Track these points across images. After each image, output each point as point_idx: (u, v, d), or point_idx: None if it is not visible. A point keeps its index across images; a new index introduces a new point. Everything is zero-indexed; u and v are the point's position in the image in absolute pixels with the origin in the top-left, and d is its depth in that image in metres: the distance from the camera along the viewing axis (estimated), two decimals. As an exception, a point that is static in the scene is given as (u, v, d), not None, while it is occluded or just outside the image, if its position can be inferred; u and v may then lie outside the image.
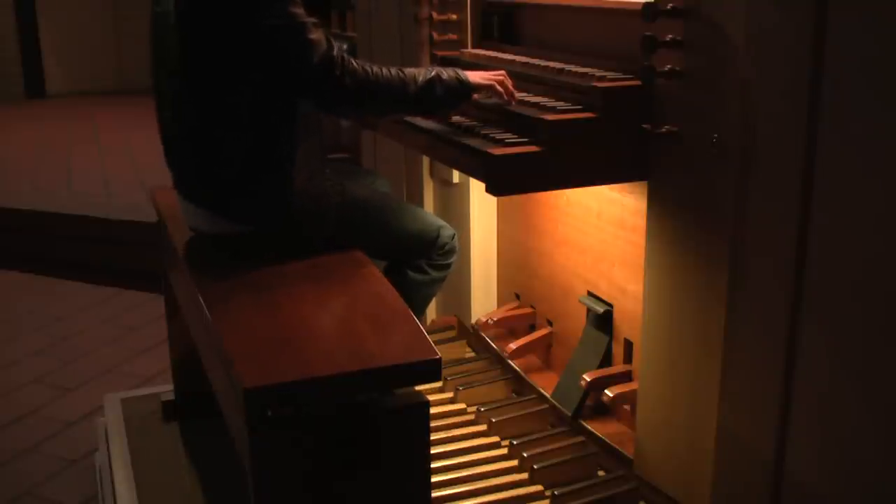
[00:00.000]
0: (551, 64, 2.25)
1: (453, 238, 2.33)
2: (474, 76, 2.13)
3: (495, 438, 2.44)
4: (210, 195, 2.08)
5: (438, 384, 2.65)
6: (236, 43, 1.92)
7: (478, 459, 2.34)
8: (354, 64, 1.95)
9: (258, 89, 1.96)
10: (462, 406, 2.61)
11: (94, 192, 5.84)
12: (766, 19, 1.64)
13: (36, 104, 9.73)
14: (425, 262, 2.28)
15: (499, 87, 2.12)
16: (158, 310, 3.36)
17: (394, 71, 2.01)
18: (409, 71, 2.04)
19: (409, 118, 2.38)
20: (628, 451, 2.22)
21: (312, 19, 1.93)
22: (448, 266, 2.33)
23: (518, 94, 2.17)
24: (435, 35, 2.77)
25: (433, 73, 2.06)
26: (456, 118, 2.26)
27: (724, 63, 1.73)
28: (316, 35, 1.91)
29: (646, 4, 1.84)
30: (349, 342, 1.68)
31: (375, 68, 1.98)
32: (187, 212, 2.17)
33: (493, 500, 2.17)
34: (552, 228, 2.68)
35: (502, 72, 2.19)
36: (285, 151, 2.02)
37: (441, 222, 2.33)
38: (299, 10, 1.91)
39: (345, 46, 1.95)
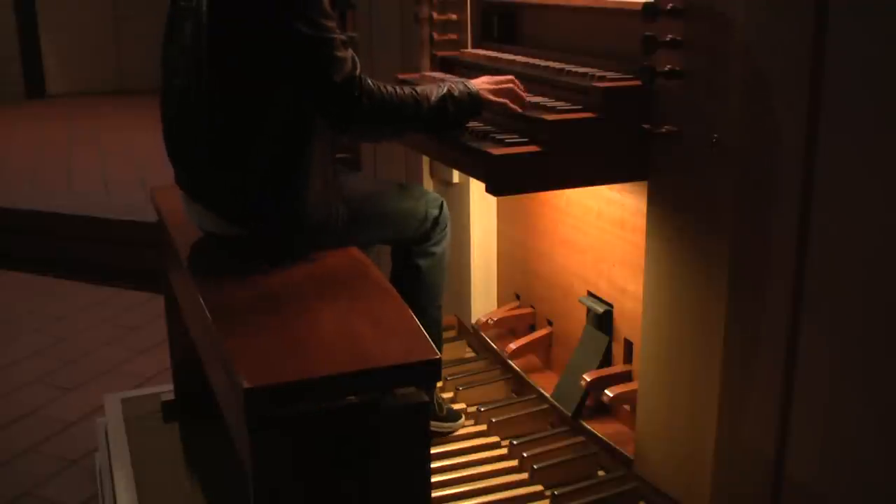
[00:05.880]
0: (551, 64, 2.25)
1: (441, 208, 2.31)
2: (485, 90, 2.04)
3: (495, 438, 2.44)
4: (223, 199, 2.04)
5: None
6: (265, 47, 1.88)
7: (478, 459, 2.34)
8: (371, 84, 1.91)
9: (286, 96, 1.93)
10: (462, 406, 2.61)
11: (94, 192, 5.83)
12: (765, 19, 1.64)
13: (36, 104, 9.71)
14: (429, 245, 2.30)
15: (512, 105, 2.04)
16: (158, 310, 3.35)
17: (407, 90, 1.96)
18: (422, 90, 1.99)
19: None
20: (628, 451, 2.22)
21: (342, 36, 1.89)
22: (445, 236, 2.34)
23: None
24: (435, 35, 2.77)
25: (445, 90, 2.00)
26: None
27: (724, 63, 1.73)
28: (342, 53, 1.87)
29: (646, 4, 1.84)
30: (349, 342, 1.68)
31: (390, 88, 1.94)
32: (191, 210, 2.15)
33: (493, 500, 2.17)
34: (552, 228, 2.68)
35: (510, 78, 2.11)
36: (306, 160, 1.99)
37: (424, 203, 2.28)
38: (331, 24, 1.87)
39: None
